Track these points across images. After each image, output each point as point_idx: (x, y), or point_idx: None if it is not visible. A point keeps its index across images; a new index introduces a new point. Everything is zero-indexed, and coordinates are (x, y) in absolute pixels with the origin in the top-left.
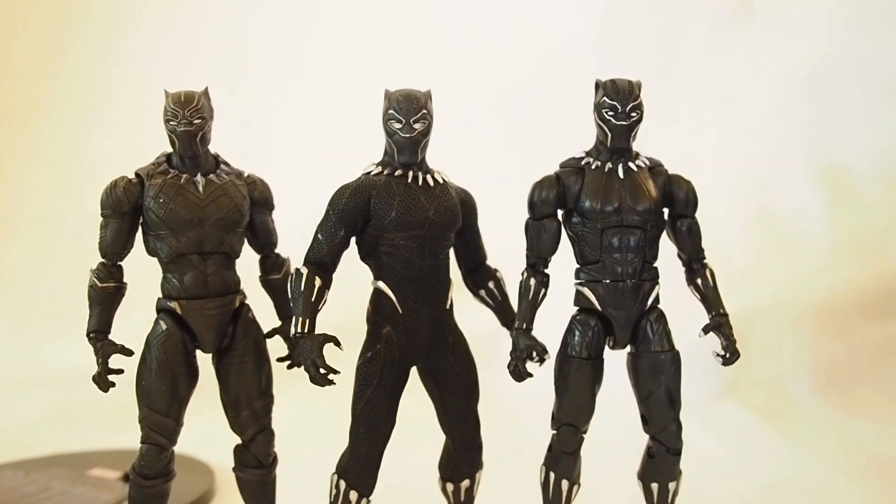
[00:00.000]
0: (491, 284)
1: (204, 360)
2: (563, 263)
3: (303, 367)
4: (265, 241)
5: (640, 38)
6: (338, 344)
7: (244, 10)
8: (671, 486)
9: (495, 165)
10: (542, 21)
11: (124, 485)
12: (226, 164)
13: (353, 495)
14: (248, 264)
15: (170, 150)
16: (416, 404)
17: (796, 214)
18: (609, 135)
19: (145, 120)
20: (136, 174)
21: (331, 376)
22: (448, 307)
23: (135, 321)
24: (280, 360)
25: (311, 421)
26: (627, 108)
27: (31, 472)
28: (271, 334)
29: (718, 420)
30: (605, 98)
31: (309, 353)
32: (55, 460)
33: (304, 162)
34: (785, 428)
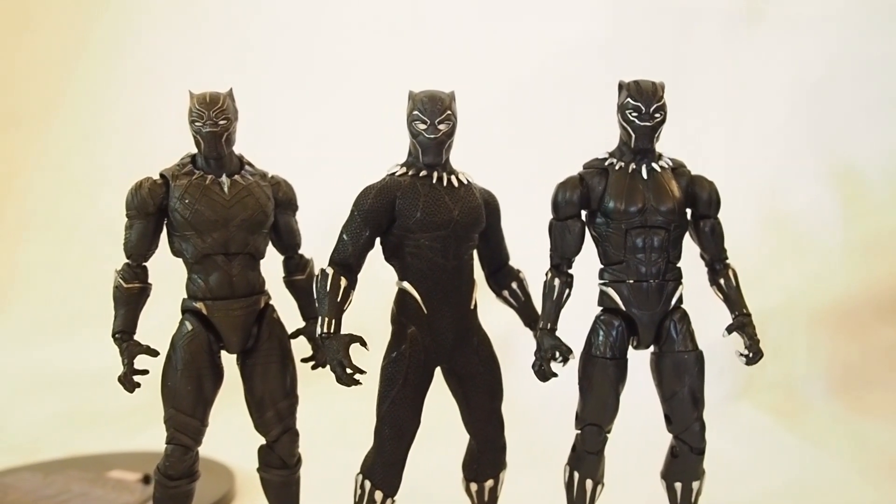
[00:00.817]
0: (514, 285)
1: (224, 361)
2: (586, 264)
3: (329, 368)
4: (289, 242)
5: (651, 40)
6: (364, 344)
7: (254, 10)
8: (694, 485)
9: (508, 166)
10: (553, 22)
11: (144, 486)
12: (250, 164)
13: (378, 495)
14: (271, 266)
15: (194, 150)
16: (439, 404)
17: (808, 215)
18: (633, 136)
19: (157, 122)
20: (161, 175)
21: (357, 376)
22: (472, 308)
23: (159, 322)
24: (304, 360)
25: (334, 422)
26: (651, 109)
27: (50, 474)
28: (295, 335)
29: (733, 421)
30: (628, 99)
31: (335, 353)
32: (73, 462)
33: (314, 162)
34: (799, 428)
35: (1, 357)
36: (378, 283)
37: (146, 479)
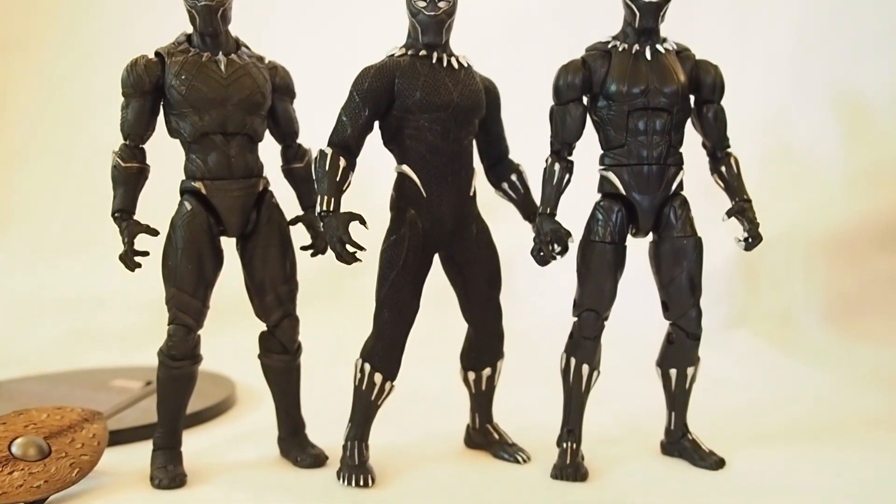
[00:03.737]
0: (513, 177)
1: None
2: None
3: (328, 246)
4: (287, 130)
5: None
6: (363, 222)
7: None
8: (689, 371)
9: (509, 69)
10: None
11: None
12: (246, 46)
13: (378, 377)
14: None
15: (189, 30)
16: (438, 298)
17: (810, 146)
18: (637, 14)
19: (151, 47)
20: (157, 53)
21: (357, 253)
22: (472, 194)
23: (158, 209)
24: (304, 248)
25: (333, 342)
26: None
27: (55, 383)
28: (294, 222)
29: (730, 347)
30: None
31: (335, 231)
32: (77, 374)
33: (314, 52)
34: (795, 353)
35: (3, 281)
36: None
37: (149, 385)
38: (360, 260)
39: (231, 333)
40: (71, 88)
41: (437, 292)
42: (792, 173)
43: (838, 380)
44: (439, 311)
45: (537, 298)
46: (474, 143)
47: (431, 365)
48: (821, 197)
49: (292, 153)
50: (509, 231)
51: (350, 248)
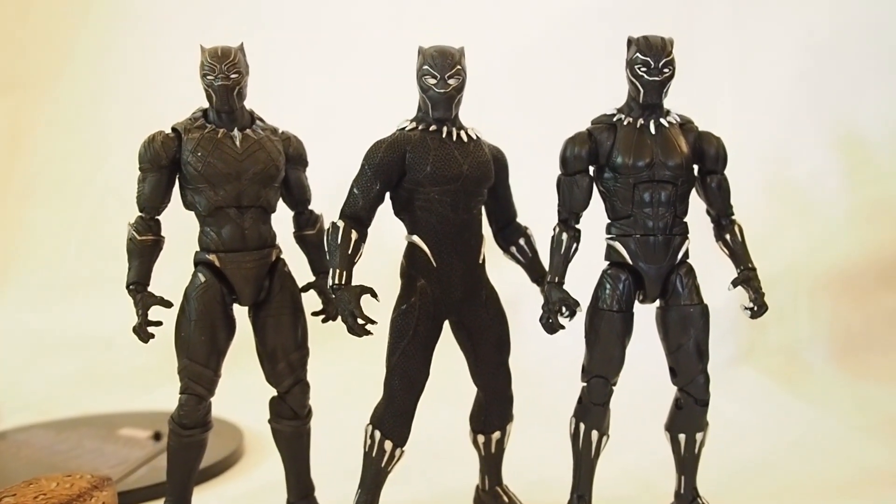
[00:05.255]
0: (521, 241)
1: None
2: (593, 220)
3: (340, 319)
4: (300, 197)
5: (658, 3)
6: (374, 295)
7: None
8: (698, 436)
9: (516, 127)
10: None
11: (155, 443)
12: (261, 120)
13: (388, 445)
14: (282, 226)
15: (205, 105)
16: (448, 357)
17: (813, 182)
18: (641, 91)
19: (164, 85)
20: (174, 129)
21: (368, 326)
22: (481, 262)
23: (173, 278)
24: (315, 314)
25: (343, 380)
26: (660, 64)
27: (62, 431)
28: (306, 289)
29: (736, 384)
30: (637, 54)
31: (347, 304)
32: (85, 421)
33: (325, 121)
34: (801, 391)
35: (13, 319)
36: (384, 248)
37: (157, 436)
38: (372, 333)
39: (238, 375)
40: (83, 126)
41: (447, 333)
42: (795, 209)
43: (845, 426)
44: (449, 359)
45: (545, 335)
46: (483, 210)
47: (440, 415)
48: (824, 233)
49: (304, 219)
50: (517, 268)
51: (361, 321)
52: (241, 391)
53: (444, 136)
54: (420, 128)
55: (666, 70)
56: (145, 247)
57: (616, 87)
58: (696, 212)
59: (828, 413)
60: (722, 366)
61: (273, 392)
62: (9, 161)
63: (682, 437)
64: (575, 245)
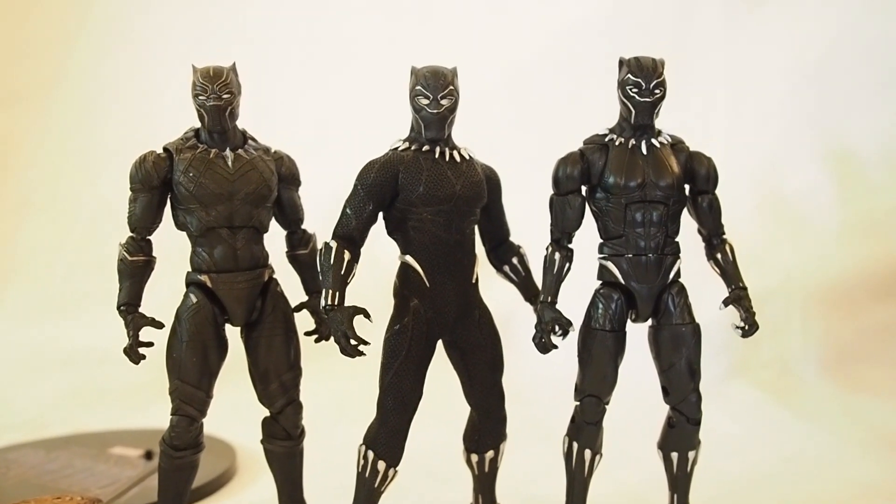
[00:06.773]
0: (514, 260)
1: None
2: (585, 239)
3: (333, 339)
4: (292, 217)
5: (652, 21)
6: (367, 316)
7: None
8: (690, 455)
9: (509, 145)
10: (554, 4)
11: (146, 462)
12: (253, 139)
13: (381, 465)
14: (274, 243)
15: (197, 125)
16: (441, 377)
17: (805, 197)
18: (633, 111)
19: (158, 100)
20: (165, 149)
21: (361, 347)
22: (474, 281)
23: (163, 298)
24: (308, 333)
25: (336, 399)
26: (651, 85)
27: (53, 450)
28: (299, 308)
29: (728, 399)
30: (629, 75)
31: (339, 325)
32: (76, 439)
33: (317, 140)
34: (793, 405)
35: (3, 336)
36: (378, 265)
37: (148, 455)
38: (364, 354)
39: (230, 393)
40: (76, 141)
41: (440, 352)
42: (787, 224)
43: (838, 440)
44: (442, 378)
45: (538, 354)
46: (476, 229)
47: (434, 435)
48: (817, 247)
49: (297, 239)
50: (510, 287)
51: (354, 342)
52: (234, 409)
53: (436, 156)
54: (413, 148)
55: (657, 91)
56: (136, 267)
57: (611, 105)
58: (688, 231)
59: (821, 427)
60: (715, 380)
61: (266, 412)
62: (1, 178)
63: (674, 455)
64: (567, 265)
